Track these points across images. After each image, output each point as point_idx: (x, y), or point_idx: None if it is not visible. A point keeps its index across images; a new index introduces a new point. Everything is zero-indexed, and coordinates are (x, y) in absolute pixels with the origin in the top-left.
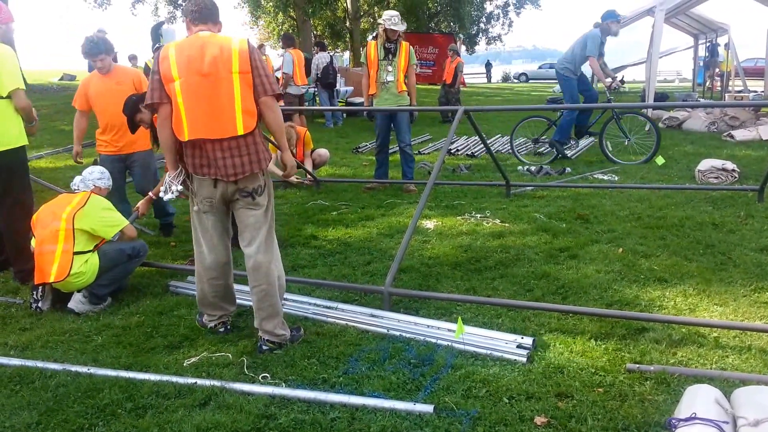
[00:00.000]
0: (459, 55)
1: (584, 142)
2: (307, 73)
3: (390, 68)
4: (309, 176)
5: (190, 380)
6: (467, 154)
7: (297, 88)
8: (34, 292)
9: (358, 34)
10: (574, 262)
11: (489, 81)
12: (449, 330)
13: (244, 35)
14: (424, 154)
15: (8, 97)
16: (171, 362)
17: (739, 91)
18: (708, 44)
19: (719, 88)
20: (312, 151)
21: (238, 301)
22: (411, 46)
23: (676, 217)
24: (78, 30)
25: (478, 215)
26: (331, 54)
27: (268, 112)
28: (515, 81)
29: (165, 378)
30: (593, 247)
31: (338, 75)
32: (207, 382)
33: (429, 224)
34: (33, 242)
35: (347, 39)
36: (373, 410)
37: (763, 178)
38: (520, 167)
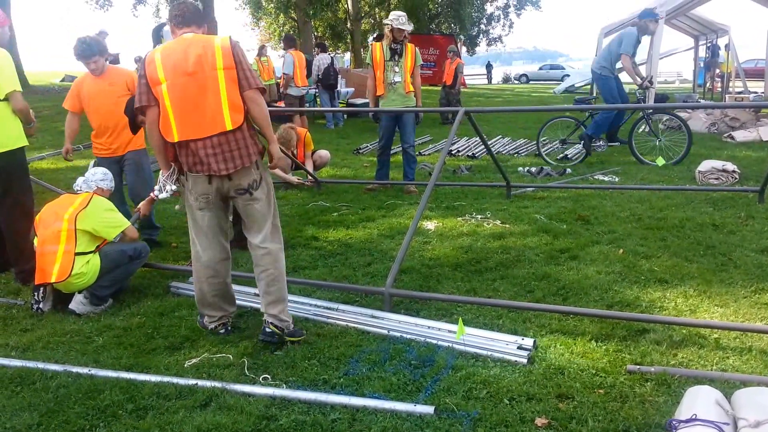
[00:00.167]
0: (459, 57)
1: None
2: (308, 74)
3: (397, 69)
4: (310, 177)
5: (191, 381)
6: (468, 155)
7: (298, 89)
8: (35, 293)
9: (359, 36)
10: (575, 263)
11: (489, 82)
12: (450, 331)
13: (245, 36)
14: (424, 155)
15: (6, 99)
16: (172, 363)
17: (740, 92)
18: (708, 45)
19: (719, 89)
20: (313, 153)
21: (238, 302)
22: (416, 48)
23: (676, 218)
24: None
25: (479, 216)
26: (331, 55)
27: (253, 105)
28: (516, 82)
29: (166, 379)
30: (594, 248)
31: (339, 76)
32: (208, 383)
33: (429, 225)
34: (35, 242)
35: (348, 40)
36: (374, 411)
37: (764, 179)
38: (520, 168)
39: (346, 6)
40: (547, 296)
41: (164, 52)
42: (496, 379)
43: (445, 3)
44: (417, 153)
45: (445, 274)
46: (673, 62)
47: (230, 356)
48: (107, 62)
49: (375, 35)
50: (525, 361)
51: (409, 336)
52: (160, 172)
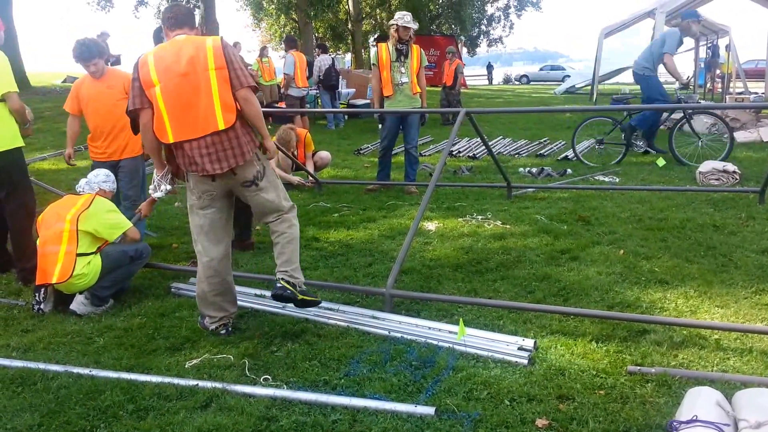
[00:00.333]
0: (459, 58)
1: (587, 143)
2: (309, 75)
3: (403, 70)
4: (310, 178)
5: (192, 382)
6: (469, 156)
7: (298, 90)
8: (36, 294)
9: (360, 37)
10: (576, 264)
11: (490, 83)
12: (450, 332)
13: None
14: (425, 155)
15: (2, 100)
16: (172, 364)
17: (740, 93)
18: (709, 46)
19: (720, 90)
20: (314, 153)
21: (238, 302)
22: (422, 49)
23: (677, 218)
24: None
25: (480, 217)
26: (332, 56)
27: (246, 104)
28: (516, 83)
29: (166, 380)
30: (594, 248)
31: (340, 77)
32: (208, 384)
33: (430, 226)
34: (37, 243)
35: (349, 41)
36: (375, 412)
37: (764, 179)
38: (521, 169)
39: (347, 7)
40: (548, 297)
41: (157, 54)
42: (496, 380)
43: (446, 4)
44: (418, 154)
45: (446, 274)
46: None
47: (231, 357)
48: (108, 64)
49: (376, 36)
50: (525, 362)
51: (409, 337)
52: (155, 171)
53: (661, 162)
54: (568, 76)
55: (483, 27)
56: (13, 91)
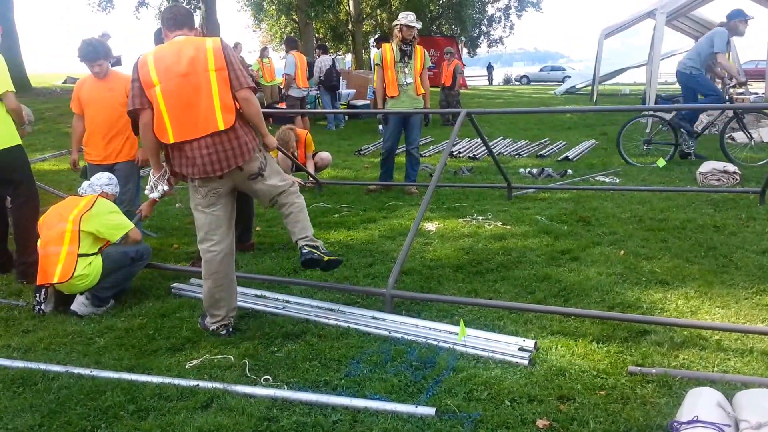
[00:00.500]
0: (459, 58)
1: (587, 143)
2: (309, 76)
3: (407, 70)
4: (311, 179)
5: (192, 382)
6: (469, 157)
7: (299, 91)
8: (37, 295)
9: (360, 37)
10: (576, 265)
11: (490, 83)
12: (451, 332)
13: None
14: (425, 156)
15: None
16: (173, 364)
17: (740, 94)
18: None
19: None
20: (314, 154)
21: (239, 303)
22: (425, 50)
23: (677, 219)
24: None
25: (480, 217)
26: (333, 57)
27: (247, 104)
28: (516, 83)
29: (167, 380)
30: (595, 249)
31: (341, 77)
32: (209, 385)
33: (431, 226)
34: (39, 243)
35: (349, 42)
36: (375, 413)
37: (765, 180)
38: (521, 169)
39: (347, 8)
40: (548, 297)
41: (157, 54)
42: (497, 381)
43: (446, 5)
44: (420, 155)
45: (446, 275)
46: (674, 63)
47: (231, 357)
48: (119, 64)
49: (376, 37)
50: (526, 362)
51: (410, 337)
52: (151, 172)
53: (661, 163)
54: (569, 77)
55: (483, 27)
56: (10, 91)
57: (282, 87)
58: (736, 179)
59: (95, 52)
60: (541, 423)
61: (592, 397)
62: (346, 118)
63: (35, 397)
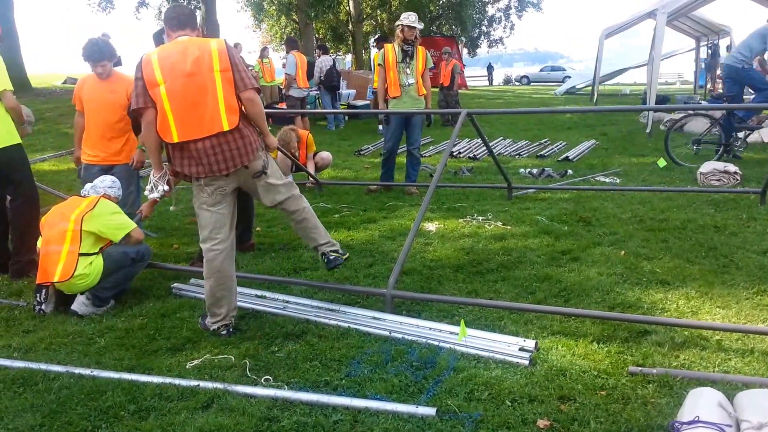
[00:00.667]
0: (459, 59)
1: (588, 143)
2: (309, 76)
3: (408, 71)
4: (311, 179)
5: (193, 383)
6: (469, 157)
7: (299, 91)
8: (38, 295)
9: (360, 37)
10: (576, 265)
11: (491, 84)
12: (451, 333)
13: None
14: (425, 156)
15: None
16: (174, 364)
17: None
18: (710, 46)
19: (720, 91)
20: (315, 154)
21: (239, 303)
22: (427, 51)
23: (678, 219)
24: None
25: (480, 218)
26: (333, 57)
27: (251, 105)
28: (517, 84)
29: (168, 380)
30: (595, 249)
31: (341, 78)
32: (210, 385)
33: (431, 227)
34: (39, 242)
35: (349, 42)
36: (376, 413)
37: (765, 180)
38: (522, 169)
39: (347, 8)
40: (549, 298)
41: (161, 53)
42: (497, 381)
43: (446, 5)
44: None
45: (447, 275)
46: (674, 64)
47: (232, 357)
48: (119, 64)
49: (376, 37)
50: (527, 362)
51: (410, 337)
52: (152, 172)
53: (662, 163)
54: (569, 77)
55: (483, 28)
56: (8, 90)
57: (282, 87)
58: (737, 179)
59: (100, 53)
60: (541, 423)
61: (592, 397)
62: (346, 118)
63: (36, 397)
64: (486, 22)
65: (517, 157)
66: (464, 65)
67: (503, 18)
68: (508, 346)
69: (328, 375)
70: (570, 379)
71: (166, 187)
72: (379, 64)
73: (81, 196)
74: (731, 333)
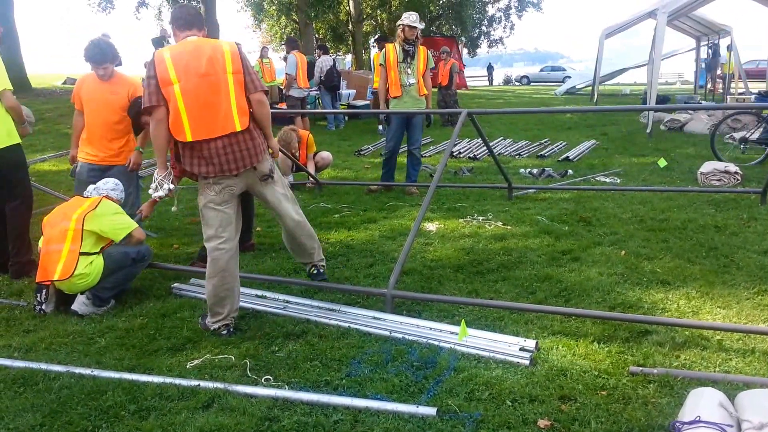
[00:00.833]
0: (458, 58)
1: (588, 143)
2: (309, 76)
3: (410, 71)
4: (311, 179)
5: (193, 382)
6: (469, 157)
7: (300, 91)
8: (38, 295)
9: (361, 37)
10: (577, 265)
11: (491, 84)
12: (452, 332)
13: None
14: (425, 156)
15: None
16: (174, 364)
17: (741, 94)
18: (710, 46)
19: (721, 91)
20: (315, 154)
21: (239, 303)
22: (428, 51)
23: (678, 219)
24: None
25: (481, 218)
26: (333, 57)
27: (260, 106)
28: (517, 84)
29: (168, 380)
30: (596, 249)
31: (341, 78)
32: (210, 385)
33: (431, 227)
34: (41, 242)
35: (349, 42)
36: (376, 413)
37: (766, 180)
38: (522, 169)
39: (347, 8)
40: (549, 298)
41: (174, 52)
42: (498, 381)
43: (446, 5)
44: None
45: (447, 275)
46: (674, 64)
47: (232, 357)
48: (119, 64)
49: (376, 37)
50: (527, 362)
51: (411, 337)
52: (156, 171)
53: (662, 162)
54: (569, 77)
55: (483, 28)
56: (7, 89)
57: (282, 87)
58: (737, 179)
59: (102, 55)
60: (542, 423)
61: (593, 397)
62: (346, 118)
63: (36, 397)
64: (486, 22)
65: (517, 157)
66: (464, 65)
67: (503, 18)
68: (509, 346)
69: (329, 375)
70: (571, 379)
71: (171, 186)
72: (380, 64)
73: (83, 197)
74: (732, 333)
